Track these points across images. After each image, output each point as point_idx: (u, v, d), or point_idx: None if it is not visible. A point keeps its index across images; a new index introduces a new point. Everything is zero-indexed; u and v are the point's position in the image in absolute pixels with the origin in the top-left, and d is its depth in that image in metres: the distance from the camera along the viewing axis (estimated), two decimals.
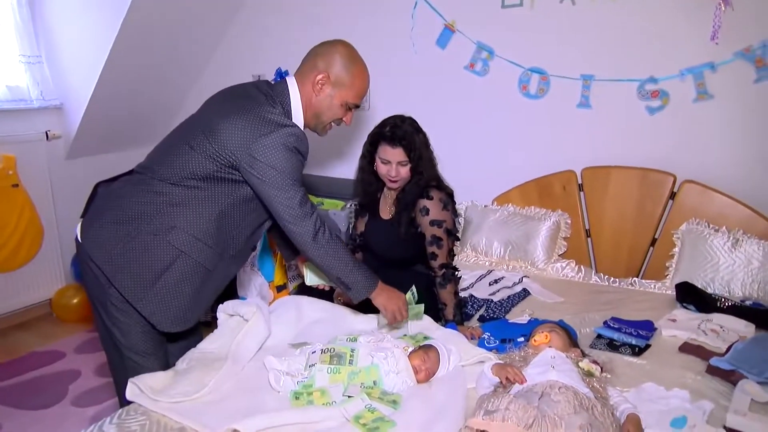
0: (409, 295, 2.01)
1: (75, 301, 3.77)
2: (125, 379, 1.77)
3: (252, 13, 3.98)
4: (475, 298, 2.62)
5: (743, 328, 2.20)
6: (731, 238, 2.61)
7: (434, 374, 1.82)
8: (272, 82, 1.90)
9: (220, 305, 2.07)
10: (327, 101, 1.87)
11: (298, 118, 1.86)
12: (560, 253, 3.02)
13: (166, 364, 1.93)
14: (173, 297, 1.80)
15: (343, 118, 1.94)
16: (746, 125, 2.76)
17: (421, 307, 2.06)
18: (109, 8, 3.38)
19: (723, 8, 2.67)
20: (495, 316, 2.44)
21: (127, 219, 1.78)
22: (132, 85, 3.79)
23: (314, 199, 3.57)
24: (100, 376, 3.14)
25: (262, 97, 1.81)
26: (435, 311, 2.26)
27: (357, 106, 1.94)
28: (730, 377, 1.82)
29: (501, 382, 1.67)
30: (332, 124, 1.95)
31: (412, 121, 2.36)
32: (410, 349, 1.85)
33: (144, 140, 4.03)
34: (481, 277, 2.85)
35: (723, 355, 1.94)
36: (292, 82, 1.87)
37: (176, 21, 3.68)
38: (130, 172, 1.91)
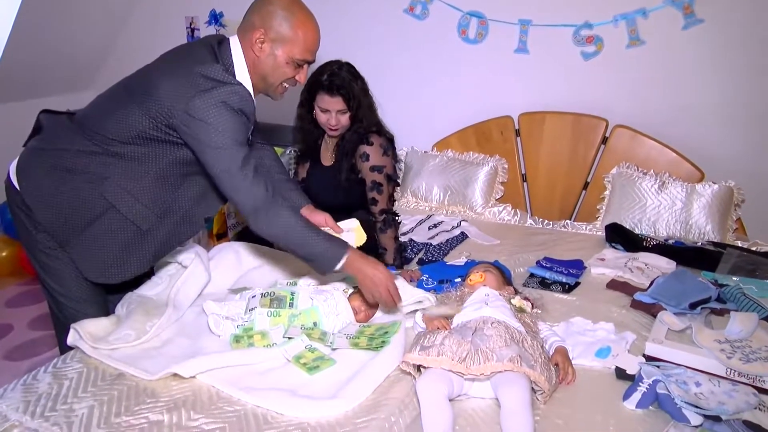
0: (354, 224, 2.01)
1: (4, 254, 3.61)
2: (64, 329, 1.74)
3: None
4: (415, 242, 2.66)
5: (665, 265, 2.33)
6: (658, 180, 2.73)
7: (373, 315, 1.87)
8: (220, 43, 1.75)
9: None
10: (270, 60, 1.69)
11: (244, 81, 1.70)
12: (497, 197, 3.08)
13: (106, 313, 1.88)
14: (99, 249, 1.74)
15: (295, 77, 1.75)
16: (674, 71, 2.85)
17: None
18: None
19: None
20: (433, 258, 2.49)
21: (64, 166, 1.72)
22: (54, 27, 3.56)
23: None
24: (34, 330, 3.06)
25: (205, 56, 1.68)
26: (376, 255, 2.29)
27: (309, 62, 1.74)
28: (652, 310, 1.94)
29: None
30: (285, 85, 1.77)
31: (349, 67, 2.33)
32: (350, 291, 1.89)
33: (75, 85, 3.85)
34: (420, 222, 2.89)
35: (646, 290, 2.06)
36: (235, 43, 1.71)
37: None
38: (74, 113, 1.81)
